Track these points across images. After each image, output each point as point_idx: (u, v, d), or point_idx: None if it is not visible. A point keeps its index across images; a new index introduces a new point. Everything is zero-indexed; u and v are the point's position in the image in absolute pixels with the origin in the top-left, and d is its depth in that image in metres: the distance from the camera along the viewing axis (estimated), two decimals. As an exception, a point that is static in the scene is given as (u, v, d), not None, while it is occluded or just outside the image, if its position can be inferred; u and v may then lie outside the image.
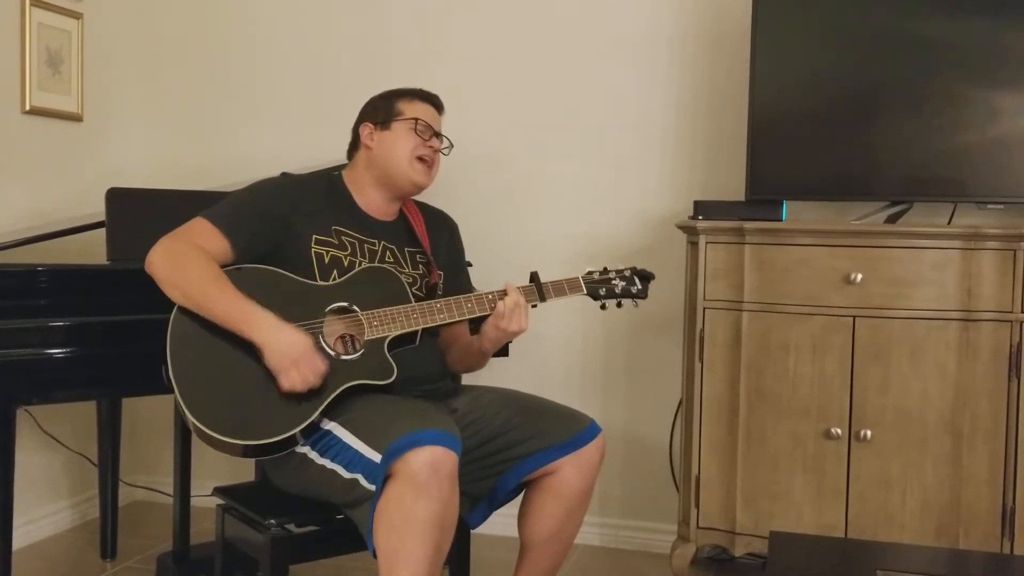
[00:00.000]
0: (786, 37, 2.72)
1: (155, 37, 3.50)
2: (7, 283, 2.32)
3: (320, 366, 1.97)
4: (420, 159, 2.26)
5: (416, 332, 2.12)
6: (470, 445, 2.05)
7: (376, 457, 1.86)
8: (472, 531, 2.23)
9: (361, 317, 2.08)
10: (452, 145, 2.34)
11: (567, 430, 2.13)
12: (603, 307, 2.28)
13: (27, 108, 3.02)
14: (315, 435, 2.00)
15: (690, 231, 2.68)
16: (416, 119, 2.26)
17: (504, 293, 2.18)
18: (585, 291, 2.25)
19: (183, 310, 2.02)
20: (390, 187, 2.28)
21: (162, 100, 3.50)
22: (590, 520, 2.80)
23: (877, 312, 2.49)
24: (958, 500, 2.47)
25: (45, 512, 3.14)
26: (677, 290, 2.83)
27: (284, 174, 2.35)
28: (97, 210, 2.65)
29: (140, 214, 2.59)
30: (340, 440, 1.96)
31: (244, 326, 1.98)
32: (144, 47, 3.50)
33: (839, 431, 2.53)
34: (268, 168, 2.61)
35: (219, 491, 2.19)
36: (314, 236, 2.16)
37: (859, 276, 2.49)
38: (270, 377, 1.97)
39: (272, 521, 2.00)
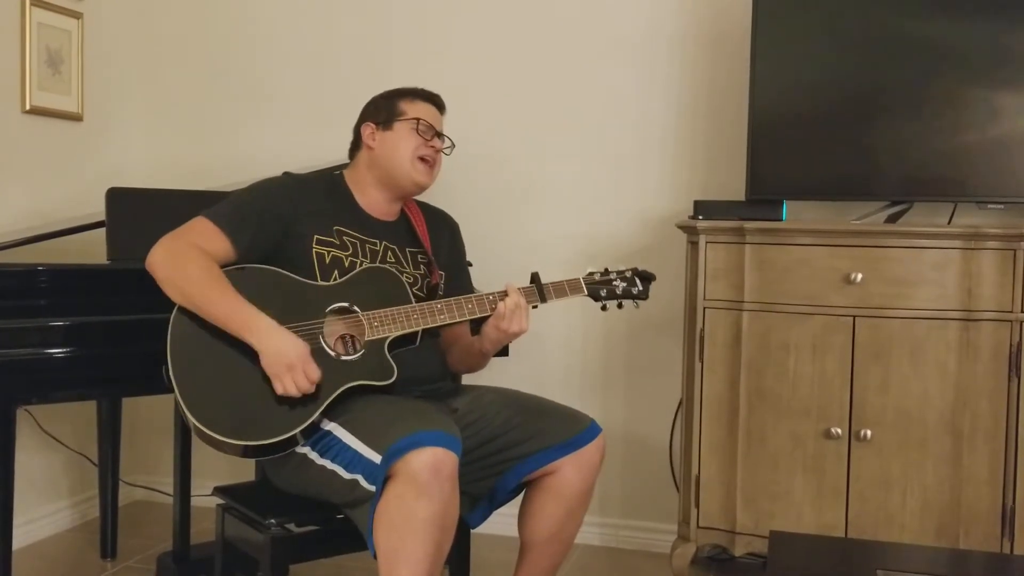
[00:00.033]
0: (786, 37, 2.72)
1: (155, 37, 3.50)
2: (7, 283, 2.32)
3: (314, 373, 1.97)
4: (422, 159, 2.26)
5: (417, 333, 2.12)
6: (470, 445, 2.05)
7: (376, 458, 1.86)
8: (472, 531, 2.23)
9: (362, 317, 2.08)
10: (454, 145, 2.34)
11: (567, 430, 2.13)
12: (604, 308, 2.28)
13: (27, 108, 3.02)
14: (315, 435, 2.00)
15: (690, 231, 2.68)
16: (418, 119, 2.26)
17: (505, 294, 2.18)
18: (586, 292, 2.25)
19: (183, 310, 2.02)
20: (392, 187, 2.28)
21: (162, 100, 3.50)
22: (590, 520, 2.80)
23: (877, 312, 2.49)
24: (958, 500, 2.47)
25: (45, 512, 3.14)
26: (677, 290, 2.83)
27: (286, 173, 2.34)
28: (97, 210, 2.65)
29: (140, 214, 2.59)
30: (340, 441, 1.96)
31: (242, 329, 1.97)
32: (144, 47, 3.50)
33: (839, 431, 2.53)
34: (268, 168, 2.61)
35: (219, 491, 2.19)
36: (315, 236, 2.16)
37: (859, 276, 2.49)
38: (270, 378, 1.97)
39: (272, 521, 2.00)
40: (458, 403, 2.20)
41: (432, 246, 2.33)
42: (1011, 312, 2.43)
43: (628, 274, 2.29)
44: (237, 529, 2.11)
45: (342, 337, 2.07)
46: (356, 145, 2.33)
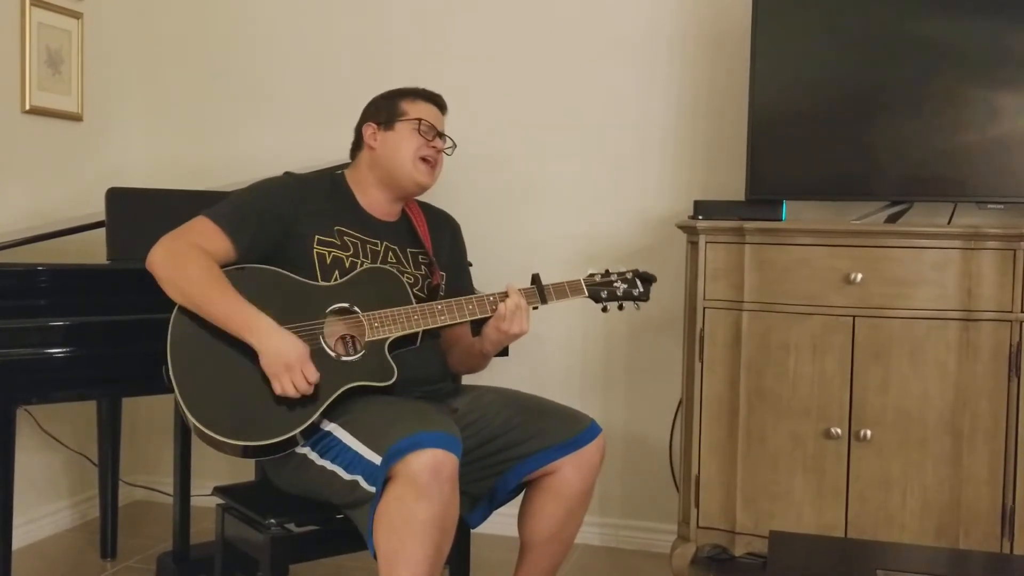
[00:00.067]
0: (786, 37, 2.72)
1: (155, 37, 3.50)
2: (7, 283, 2.31)
3: (312, 374, 1.97)
4: (423, 159, 2.26)
5: (417, 333, 2.12)
6: (470, 445, 2.05)
7: (376, 459, 1.86)
8: (472, 531, 2.24)
9: (362, 318, 2.08)
10: (455, 145, 2.34)
11: (567, 430, 2.13)
12: (604, 309, 2.27)
13: (27, 108, 3.02)
14: (315, 436, 2.00)
15: (690, 231, 2.68)
16: (420, 119, 2.26)
17: (505, 295, 2.18)
18: (587, 293, 2.25)
19: (184, 310, 2.02)
20: (393, 187, 2.28)
21: (162, 100, 3.50)
22: (590, 520, 2.80)
23: (877, 312, 2.49)
24: (958, 500, 2.47)
25: (45, 512, 3.14)
26: (677, 290, 2.83)
27: (287, 173, 2.34)
28: (97, 210, 2.65)
29: (140, 214, 2.59)
30: (340, 441, 1.96)
31: (242, 329, 1.97)
32: (144, 47, 3.49)
33: (839, 431, 2.53)
34: (268, 168, 2.61)
35: (219, 491, 2.19)
36: (316, 236, 2.16)
37: (859, 276, 2.49)
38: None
39: (272, 521, 2.00)
40: (458, 403, 2.20)
41: (433, 247, 2.33)
42: (1011, 312, 2.43)
43: (629, 275, 2.28)
44: (237, 529, 2.11)
45: (342, 338, 2.07)
46: (357, 145, 2.33)
